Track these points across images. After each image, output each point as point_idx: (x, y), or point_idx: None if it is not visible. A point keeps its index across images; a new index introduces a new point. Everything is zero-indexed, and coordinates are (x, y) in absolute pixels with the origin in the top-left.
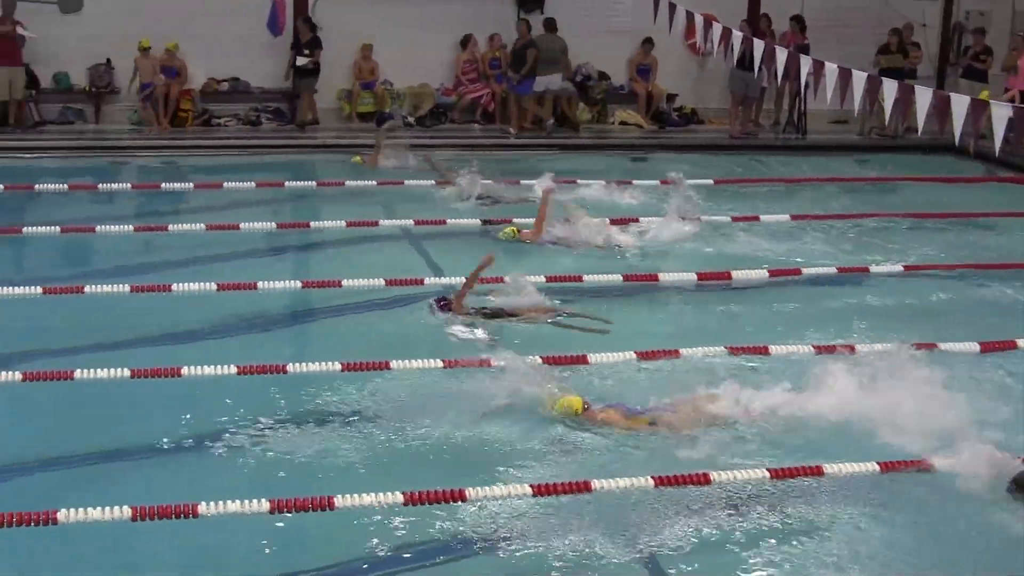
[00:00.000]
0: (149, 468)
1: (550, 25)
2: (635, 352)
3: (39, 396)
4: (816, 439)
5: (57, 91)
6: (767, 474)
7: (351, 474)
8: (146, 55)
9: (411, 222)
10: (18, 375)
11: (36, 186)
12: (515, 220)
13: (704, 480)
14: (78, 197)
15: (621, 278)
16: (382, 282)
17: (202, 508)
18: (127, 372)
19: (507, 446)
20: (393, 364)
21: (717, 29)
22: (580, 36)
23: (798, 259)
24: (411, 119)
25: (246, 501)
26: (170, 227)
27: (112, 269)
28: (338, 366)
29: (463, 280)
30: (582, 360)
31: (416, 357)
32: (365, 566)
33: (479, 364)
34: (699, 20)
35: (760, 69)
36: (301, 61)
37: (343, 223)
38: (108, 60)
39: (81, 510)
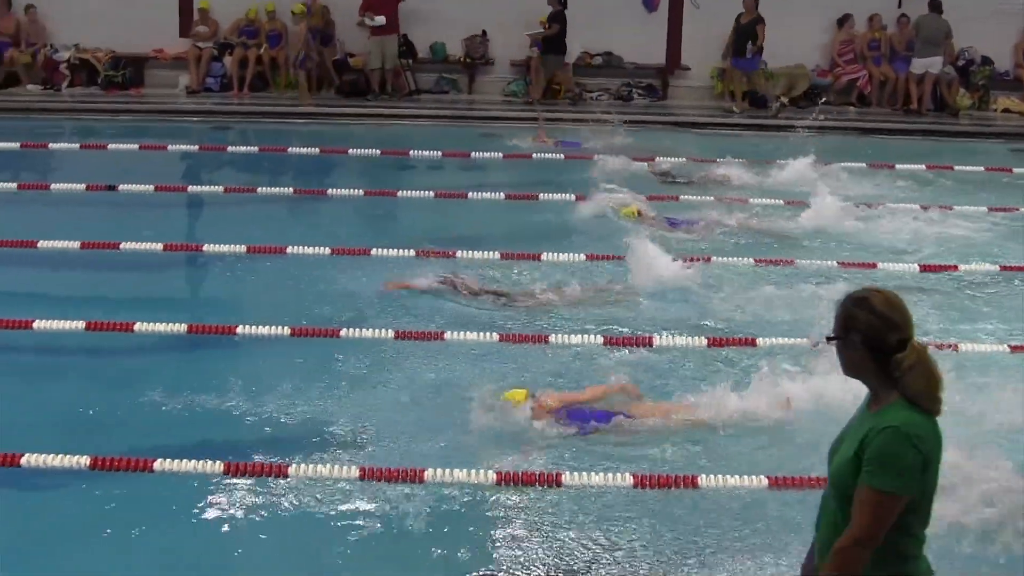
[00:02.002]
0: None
1: (935, 5)
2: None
3: (411, 354)
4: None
5: (433, 61)
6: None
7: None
8: (299, 21)
9: None
10: (391, 332)
11: (411, 152)
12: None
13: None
14: (451, 164)
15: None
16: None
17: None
18: (495, 336)
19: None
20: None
21: None
22: (965, 18)
23: None
24: (784, 100)
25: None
26: (541, 196)
27: (483, 236)
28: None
29: None
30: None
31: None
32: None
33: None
34: None
35: None
36: (533, 33)
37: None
38: (484, 32)
39: (447, 471)
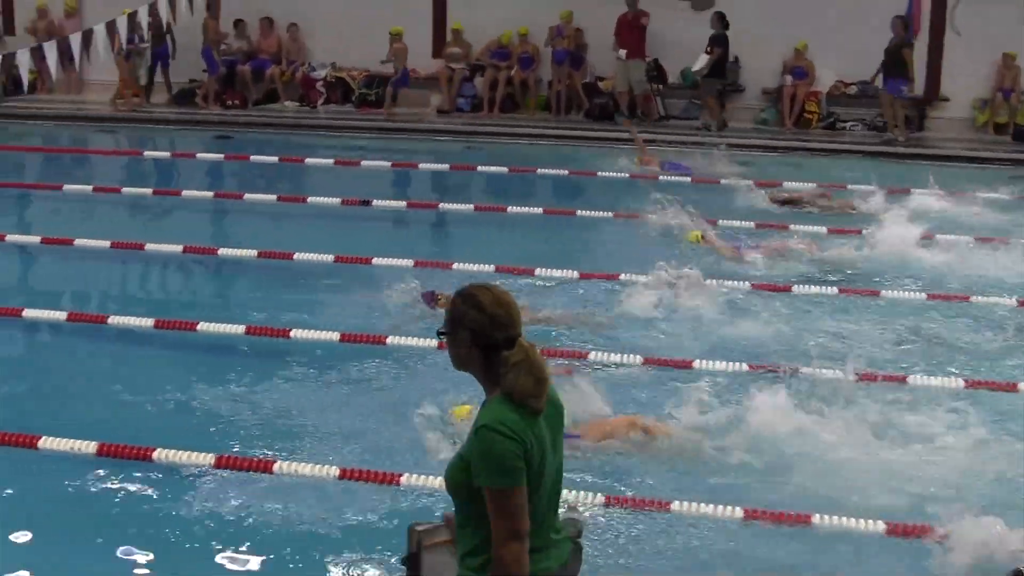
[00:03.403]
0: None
1: None
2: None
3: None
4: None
5: (683, 87)
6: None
7: None
8: (394, 41)
9: None
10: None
11: (660, 178)
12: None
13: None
14: (701, 190)
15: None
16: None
17: None
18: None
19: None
20: None
21: None
22: None
23: None
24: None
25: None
26: (790, 226)
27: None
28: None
29: None
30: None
31: None
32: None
33: None
34: None
35: None
36: (700, 61)
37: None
38: (736, 58)
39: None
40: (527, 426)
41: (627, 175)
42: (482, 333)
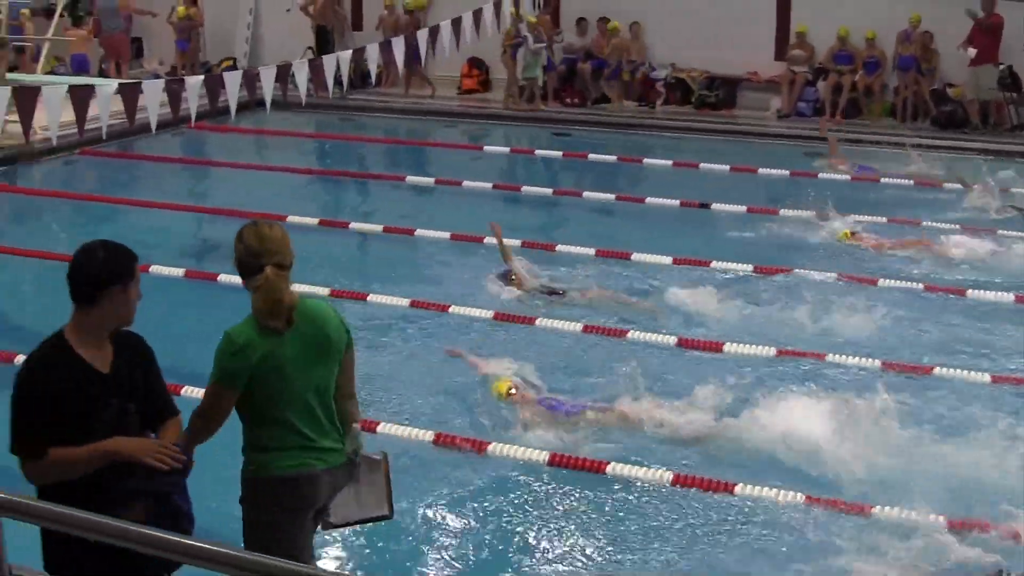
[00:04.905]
0: None
1: None
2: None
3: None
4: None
5: None
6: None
7: None
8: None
9: None
10: (772, 351)
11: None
12: None
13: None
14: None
15: None
16: None
17: None
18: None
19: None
20: None
21: None
22: None
23: None
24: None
25: None
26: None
27: None
28: None
29: None
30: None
31: None
32: None
33: None
34: None
35: None
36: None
37: None
38: None
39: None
40: (263, 342)
41: (980, 185)
42: (241, 261)
